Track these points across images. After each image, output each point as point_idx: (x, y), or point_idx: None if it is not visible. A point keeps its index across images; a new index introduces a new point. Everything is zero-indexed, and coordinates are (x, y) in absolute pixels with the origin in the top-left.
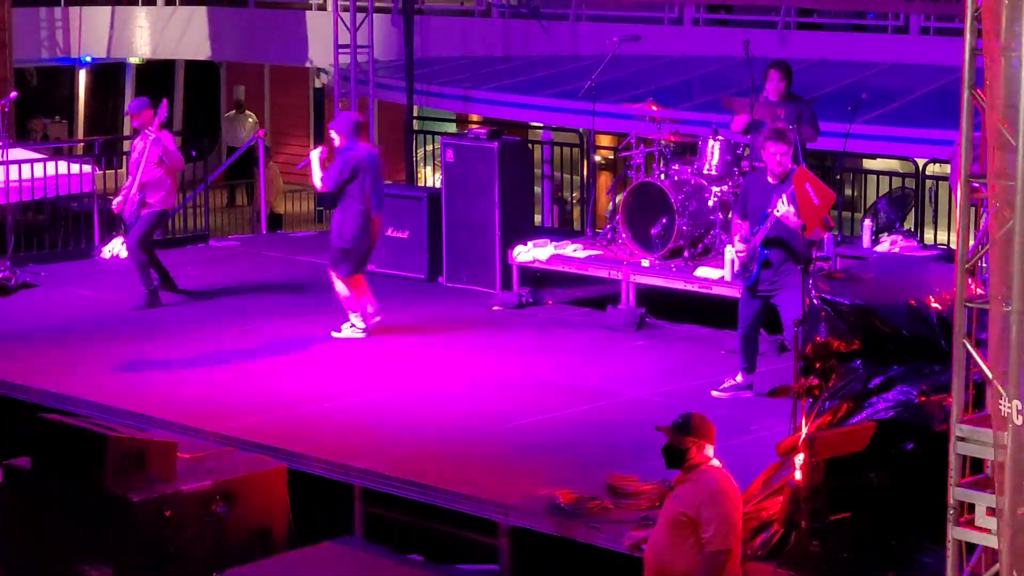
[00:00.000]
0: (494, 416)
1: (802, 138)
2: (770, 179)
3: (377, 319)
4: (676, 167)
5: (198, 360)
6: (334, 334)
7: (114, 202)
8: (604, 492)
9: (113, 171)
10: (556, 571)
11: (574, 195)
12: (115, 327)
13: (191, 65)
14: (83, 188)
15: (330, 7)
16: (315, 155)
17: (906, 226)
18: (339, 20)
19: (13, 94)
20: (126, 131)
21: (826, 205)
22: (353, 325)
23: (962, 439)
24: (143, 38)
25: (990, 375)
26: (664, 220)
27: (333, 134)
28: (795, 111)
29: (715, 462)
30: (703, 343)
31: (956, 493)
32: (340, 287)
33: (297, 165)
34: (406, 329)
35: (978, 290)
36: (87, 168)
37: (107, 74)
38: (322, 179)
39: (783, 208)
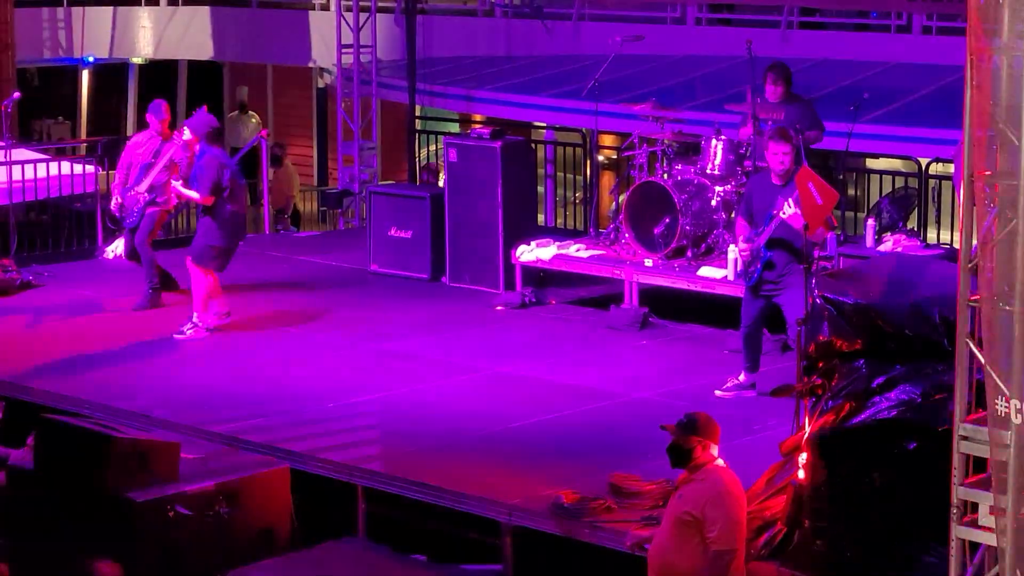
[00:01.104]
0: (497, 416)
1: (806, 141)
2: (774, 179)
3: (228, 317)
4: (679, 167)
5: (201, 360)
6: (177, 336)
7: (112, 202)
8: (607, 492)
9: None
10: (559, 571)
11: (577, 195)
12: (118, 327)
13: (194, 65)
14: (86, 188)
15: (333, 7)
16: (177, 184)
17: (909, 226)
18: (342, 20)
19: (16, 94)
20: (129, 131)
21: (829, 205)
22: (195, 325)
23: (965, 438)
24: (146, 38)
25: (993, 374)
26: (667, 220)
27: (187, 132)
28: (797, 113)
29: (720, 462)
30: (706, 343)
31: (959, 492)
32: (199, 283)
33: (171, 204)
34: (409, 329)
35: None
36: (90, 168)
37: (110, 74)
38: (200, 191)
39: (789, 210)
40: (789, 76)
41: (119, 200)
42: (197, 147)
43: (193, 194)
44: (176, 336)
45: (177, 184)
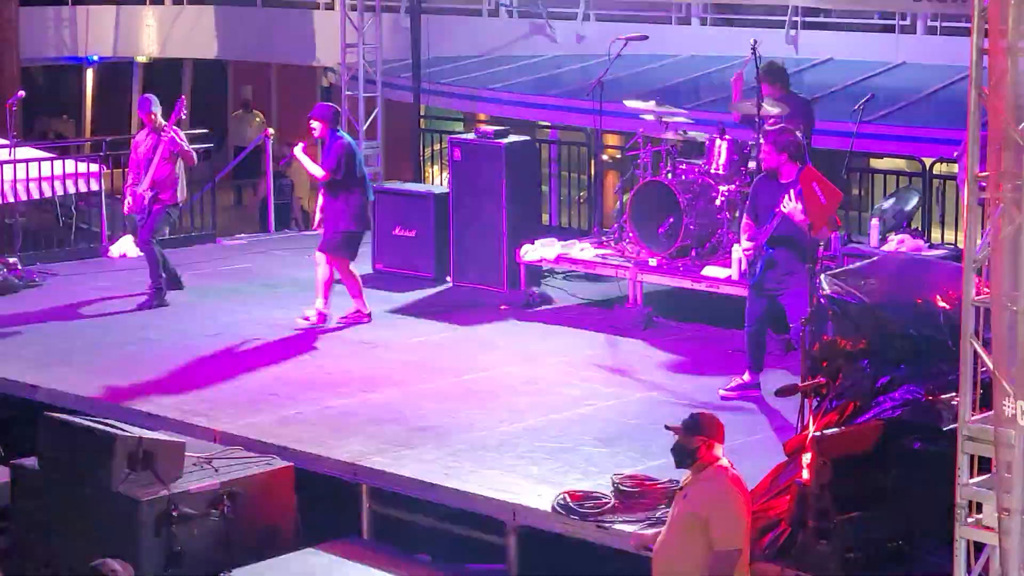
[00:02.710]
0: (501, 415)
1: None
2: (778, 178)
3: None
4: (683, 166)
5: (205, 359)
6: (340, 319)
7: (125, 205)
8: (612, 492)
9: (121, 170)
10: (563, 571)
11: (581, 194)
12: (122, 326)
13: (198, 64)
14: (90, 187)
15: (338, 6)
16: (299, 150)
17: (913, 225)
18: (347, 19)
19: (20, 93)
20: (134, 130)
21: (833, 204)
22: (359, 311)
23: (970, 438)
24: (150, 37)
25: (998, 374)
26: (671, 219)
27: (315, 123)
28: (798, 109)
29: (724, 462)
30: (710, 342)
31: (964, 492)
32: (343, 274)
33: (280, 162)
34: (413, 328)
35: (985, 289)
36: (94, 167)
37: (114, 73)
38: (325, 167)
39: (789, 204)
40: (784, 75)
41: (129, 200)
42: (328, 135)
43: (316, 169)
44: (340, 319)
45: (299, 150)
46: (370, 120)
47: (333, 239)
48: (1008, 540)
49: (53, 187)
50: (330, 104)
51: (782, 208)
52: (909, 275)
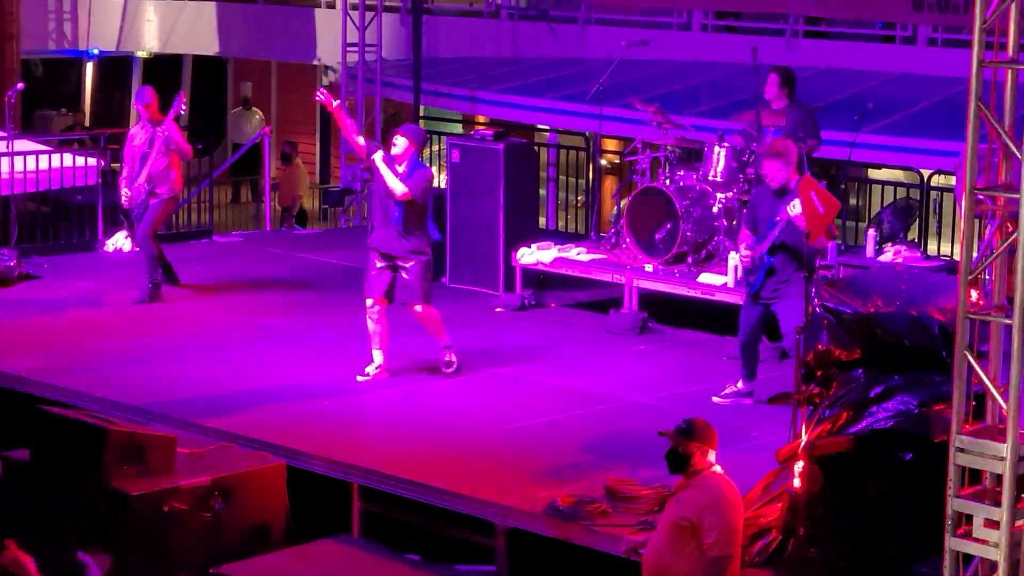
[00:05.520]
0: (494, 417)
1: (807, 149)
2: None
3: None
4: (681, 173)
5: (199, 355)
6: (448, 371)
7: (123, 197)
8: (603, 496)
9: (119, 164)
10: (553, 573)
11: (579, 199)
12: (116, 320)
13: (198, 60)
14: (88, 181)
15: (339, 5)
16: (379, 157)
17: (910, 237)
18: (348, 18)
19: (20, 85)
20: (132, 125)
21: (831, 214)
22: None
23: (961, 450)
24: (151, 32)
25: (991, 387)
26: (668, 225)
27: (402, 140)
28: (798, 120)
29: (717, 468)
30: (705, 349)
31: (954, 504)
32: (431, 317)
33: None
34: (408, 329)
35: (980, 302)
36: (92, 161)
37: (114, 67)
38: (410, 187)
39: (795, 210)
40: (793, 81)
41: (128, 193)
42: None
43: (398, 185)
44: (445, 370)
45: (380, 158)
46: (369, 120)
47: (425, 289)
48: (997, 553)
49: (50, 180)
50: (419, 127)
51: (789, 209)
52: (904, 286)
